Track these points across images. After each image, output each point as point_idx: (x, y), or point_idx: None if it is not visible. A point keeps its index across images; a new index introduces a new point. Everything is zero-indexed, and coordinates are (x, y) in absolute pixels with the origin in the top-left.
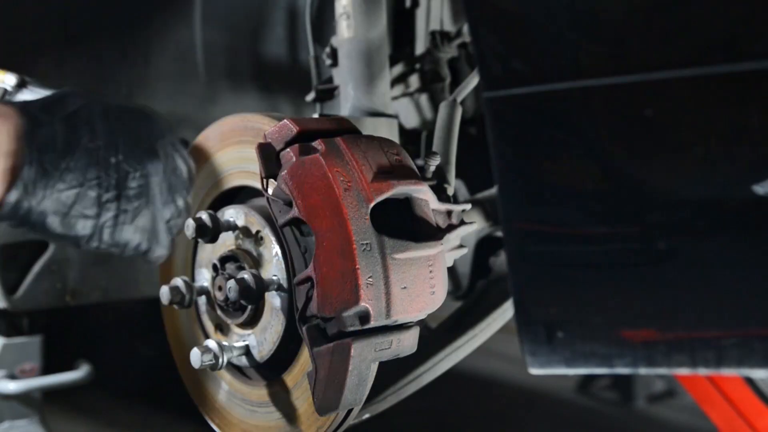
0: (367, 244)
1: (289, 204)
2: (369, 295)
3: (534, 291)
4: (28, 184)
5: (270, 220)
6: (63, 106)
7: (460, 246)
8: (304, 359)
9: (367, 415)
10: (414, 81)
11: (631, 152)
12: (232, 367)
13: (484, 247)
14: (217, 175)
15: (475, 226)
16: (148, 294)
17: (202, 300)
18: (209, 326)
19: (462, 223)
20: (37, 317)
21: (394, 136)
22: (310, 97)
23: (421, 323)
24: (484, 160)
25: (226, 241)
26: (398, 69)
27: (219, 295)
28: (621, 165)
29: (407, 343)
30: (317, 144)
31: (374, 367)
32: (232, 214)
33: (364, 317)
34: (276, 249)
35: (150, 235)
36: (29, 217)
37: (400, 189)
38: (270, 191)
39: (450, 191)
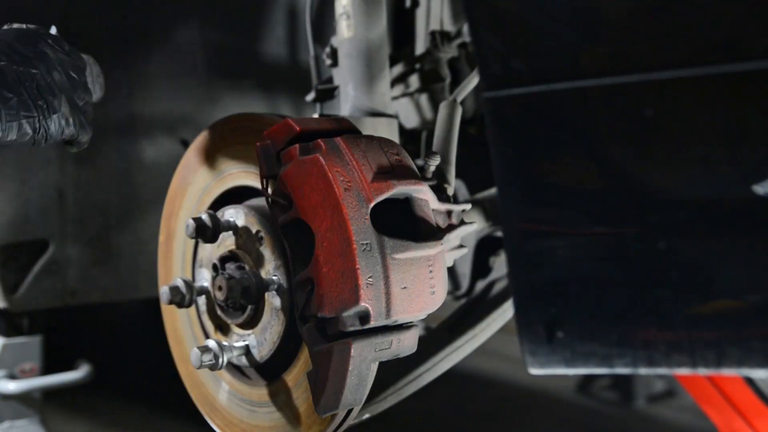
0: (367, 244)
1: (289, 204)
2: (369, 295)
3: (534, 291)
4: None
5: (270, 220)
6: None
7: (460, 246)
8: (304, 359)
9: (367, 415)
10: (414, 81)
11: (631, 152)
12: (232, 367)
13: (484, 247)
14: (217, 175)
15: (475, 226)
16: (148, 294)
17: (202, 300)
18: (209, 326)
19: (462, 223)
20: (37, 317)
21: (394, 136)
22: (310, 97)
23: (422, 323)
24: (484, 160)
25: (226, 241)
26: (398, 69)
27: (219, 295)
28: (621, 165)
29: (407, 343)
30: (317, 144)
31: (374, 367)
32: (232, 214)
33: (364, 317)
34: (276, 249)
35: (73, 120)
36: None
37: (400, 189)
38: (270, 191)
39: (450, 191)
